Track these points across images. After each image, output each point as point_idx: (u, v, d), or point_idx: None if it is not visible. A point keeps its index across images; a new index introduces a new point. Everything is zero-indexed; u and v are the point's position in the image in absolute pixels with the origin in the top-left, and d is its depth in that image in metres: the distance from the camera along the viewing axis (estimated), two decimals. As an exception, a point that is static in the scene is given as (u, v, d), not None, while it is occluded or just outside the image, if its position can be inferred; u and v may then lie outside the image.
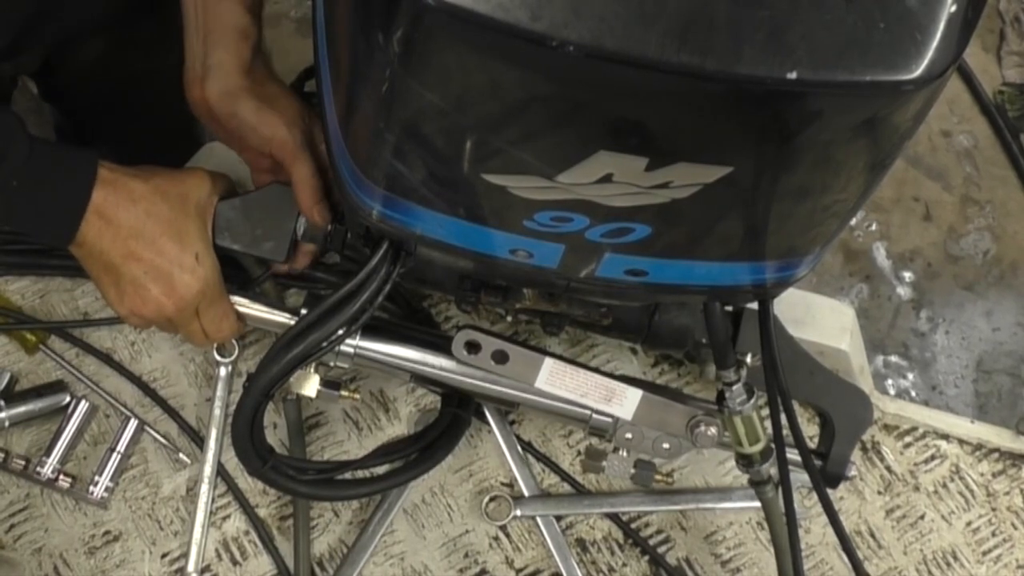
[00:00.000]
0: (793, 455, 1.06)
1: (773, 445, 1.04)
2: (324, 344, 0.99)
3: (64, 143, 1.01)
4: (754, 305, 1.01)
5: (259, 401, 1.01)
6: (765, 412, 1.04)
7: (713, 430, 1.07)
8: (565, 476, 1.22)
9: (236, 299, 1.08)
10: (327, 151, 0.89)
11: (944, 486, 1.25)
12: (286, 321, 1.08)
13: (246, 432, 1.02)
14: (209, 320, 1.07)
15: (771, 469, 1.05)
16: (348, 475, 1.16)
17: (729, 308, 1.07)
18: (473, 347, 1.06)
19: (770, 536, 1.10)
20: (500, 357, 1.06)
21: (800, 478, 1.14)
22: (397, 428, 1.23)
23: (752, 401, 1.02)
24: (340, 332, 0.98)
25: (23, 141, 0.95)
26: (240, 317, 1.09)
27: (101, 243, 0.99)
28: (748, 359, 1.05)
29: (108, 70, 1.41)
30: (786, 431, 1.02)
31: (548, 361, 1.07)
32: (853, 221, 0.89)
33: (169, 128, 1.29)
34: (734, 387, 1.01)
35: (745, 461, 1.05)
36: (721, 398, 1.03)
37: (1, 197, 0.96)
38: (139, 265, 1.00)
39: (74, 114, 1.58)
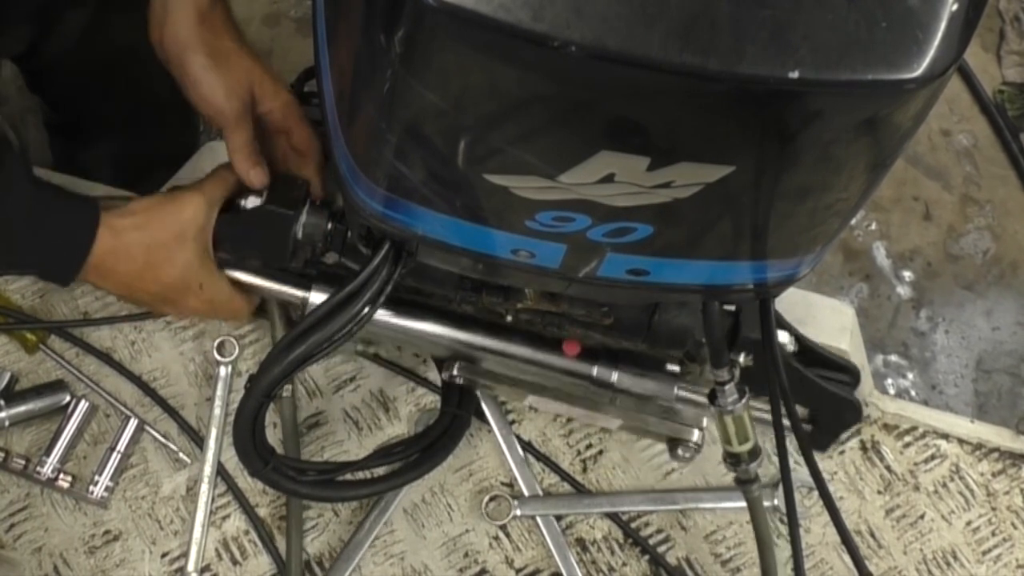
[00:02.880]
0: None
1: (764, 445, 1.05)
2: (326, 345, 0.99)
3: (65, 191, 1.02)
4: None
5: (261, 402, 1.01)
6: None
7: (689, 455, 1.17)
8: (565, 476, 1.22)
9: (243, 277, 1.11)
10: (328, 151, 0.89)
11: (944, 486, 1.25)
12: (294, 292, 1.12)
13: (247, 433, 1.02)
14: (224, 315, 1.14)
15: (758, 468, 1.06)
16: (349, 475, 1.16)
17: (731, 308, 1.07)
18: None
19: (755, 533, 1.10)
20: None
21: (799, 477, 1.14)
22: (397, 428, 1.23)
23: (743, 401, 1.02)
24: (342, 333, 0.99)
25: (25, 187, 0.98)
26: (249, 289, 1.12)
27: (103, 285, 1.07)
28: (741, 359, 1.05)
29: (93, 45, 1.40)
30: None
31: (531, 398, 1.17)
32: (853, 220, 0.89)
33: (158, 105, 1.29)
34: (727, 387, 1.02)
35: (733, 459, 1.06)
36: (713, 397, 1.03)
37: (2, 243, 1.00)
38: (145, 295, 1.08)
39: (61, 108, 1.58)
